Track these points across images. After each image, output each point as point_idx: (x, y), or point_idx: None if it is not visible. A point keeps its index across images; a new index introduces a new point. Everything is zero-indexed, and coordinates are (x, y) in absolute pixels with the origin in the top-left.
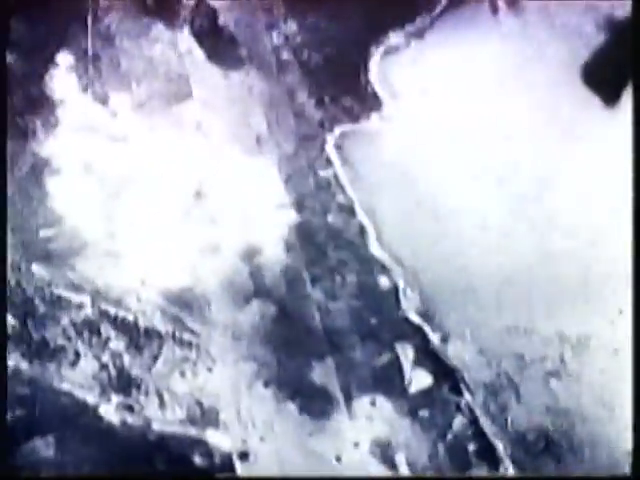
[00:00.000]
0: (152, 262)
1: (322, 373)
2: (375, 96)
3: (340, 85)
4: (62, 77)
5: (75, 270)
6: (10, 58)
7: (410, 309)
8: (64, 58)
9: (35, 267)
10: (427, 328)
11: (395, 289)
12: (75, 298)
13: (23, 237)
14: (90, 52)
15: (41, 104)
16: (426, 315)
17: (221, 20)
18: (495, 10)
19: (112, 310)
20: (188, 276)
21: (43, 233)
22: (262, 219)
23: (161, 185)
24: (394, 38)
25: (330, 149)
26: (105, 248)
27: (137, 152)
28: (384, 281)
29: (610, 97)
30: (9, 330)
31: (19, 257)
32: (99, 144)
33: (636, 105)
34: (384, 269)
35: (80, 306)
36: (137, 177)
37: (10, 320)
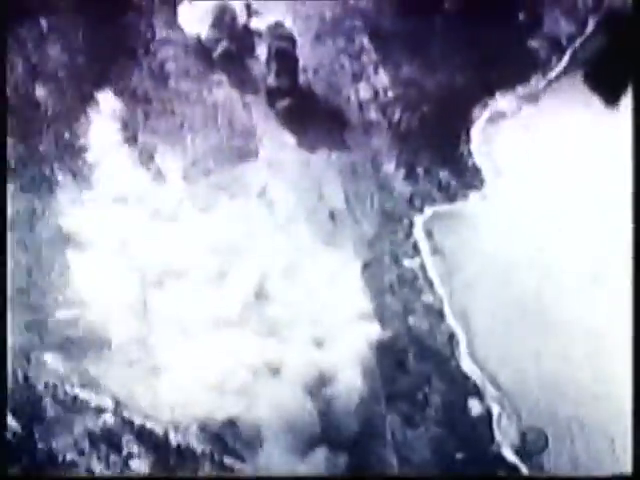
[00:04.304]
0: (193, 373)
1: None
2: (476, 170)
3: (436, 155)
4: (102, 122)
5: (97, 366)
6: (41, 92)
7: (505, 443)
8: (106, 98)
9: (48, 357)
10: (524, 470)
11: (488, 416)
12: (94, 400)
13: (36, 317)
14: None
15: (74, 154)
16: (525, 453)
17: (302, 78)
18: None
19: (138, 420)
20: (237, 400)
21: (61, 315)
22: (335, 332)
23: (214, 278)
24: (502, 101)
25: (418, 233)
26: (137, 345)
27: (187, 230)
28: (475, 405)
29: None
30: (9, 435)
31: (29, 343)
32: (141, 217)
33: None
34: (476, 390)
35: (99, 411)
36: (184, 264)
37: (11, 423)
